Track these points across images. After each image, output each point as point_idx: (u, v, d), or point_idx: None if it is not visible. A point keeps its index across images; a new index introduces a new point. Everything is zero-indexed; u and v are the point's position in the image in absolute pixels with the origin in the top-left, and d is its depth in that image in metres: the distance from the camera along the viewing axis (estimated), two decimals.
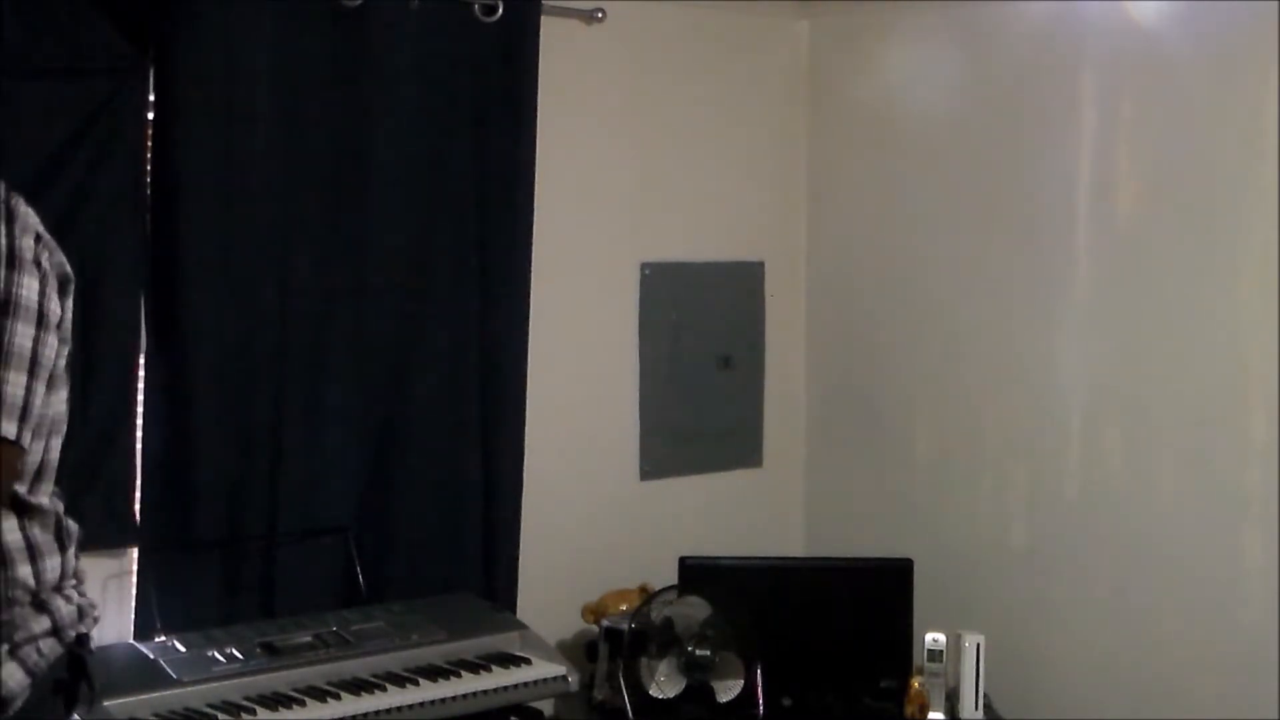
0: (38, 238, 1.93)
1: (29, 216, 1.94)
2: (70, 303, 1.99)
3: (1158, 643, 3.72)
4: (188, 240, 3.29)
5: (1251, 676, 3.51)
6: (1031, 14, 3.93)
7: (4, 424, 1.83)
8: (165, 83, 3.25)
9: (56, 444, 2.02)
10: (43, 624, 1.99)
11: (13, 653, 1.95)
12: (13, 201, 1.92)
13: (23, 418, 1.85)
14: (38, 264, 1.90)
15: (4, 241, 1.86)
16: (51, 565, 2.00)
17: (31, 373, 1.87)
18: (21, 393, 1.85)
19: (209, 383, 3.33)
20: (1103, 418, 3.85)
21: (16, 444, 1.85)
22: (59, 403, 2.00)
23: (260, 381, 3.41)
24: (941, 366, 4.18)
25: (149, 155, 3.27)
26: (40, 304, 1.89)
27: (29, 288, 1.88)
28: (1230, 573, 3.59)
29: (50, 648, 2.00)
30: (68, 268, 1.99)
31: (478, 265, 3.73)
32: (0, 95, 2.97)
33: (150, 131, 3.26)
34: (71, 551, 2.06)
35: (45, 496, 2.01)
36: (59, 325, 1.94)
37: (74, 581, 2.06)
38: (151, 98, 3.25)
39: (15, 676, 1.95)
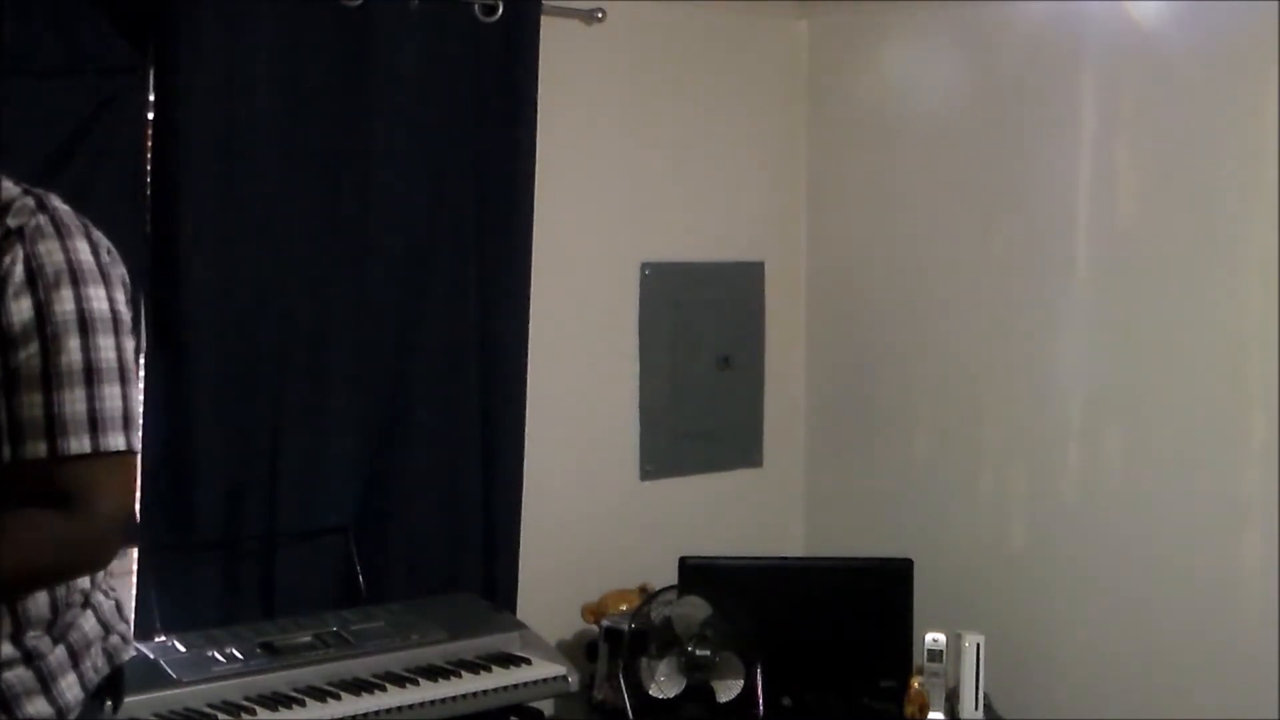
0: (109, 250, 1.96)
1: (92, 228, 1.95)
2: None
3: (1158, 643, 3.72)
4: (187, 240, 3.28)
5: (1251, 676, 3.51)
6: (1031, 14, 3.93)
7: (134, 438, 1.89)
8: (165, 83, 3.25)
9: None
10: (90, 621, 2.00)
11: (75, 665, 1.97)
12: (82, 223, 1.93)
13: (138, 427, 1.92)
14: (111, 271, 1.94)
15: (91, 258, 1.89)
16: None
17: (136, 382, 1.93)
18: (138, 407, 1.92)
19: (209, 383, 3.33)
20: (1103, 418, 3.85)
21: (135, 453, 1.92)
22: None
23: (260, 381, 3.41)
24: (941, 366, 4.18)
25: (149, 155, 3.26)
26: (128, 314, 1.94)
27: (120, 300, 1.92)
28: (1230, 573, 3.59)
29: (102, 665, 2.02)
30: (127, 278, 2.01)
31: (478, 265, 3.73)
32: (0, 95, 2.97)
33: (150, 131, 3.26)
34: None
35: None
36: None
37: (107, 576, 2.09)
38: (151, 98, 3.25)
39: (74, 690, 1.96)
